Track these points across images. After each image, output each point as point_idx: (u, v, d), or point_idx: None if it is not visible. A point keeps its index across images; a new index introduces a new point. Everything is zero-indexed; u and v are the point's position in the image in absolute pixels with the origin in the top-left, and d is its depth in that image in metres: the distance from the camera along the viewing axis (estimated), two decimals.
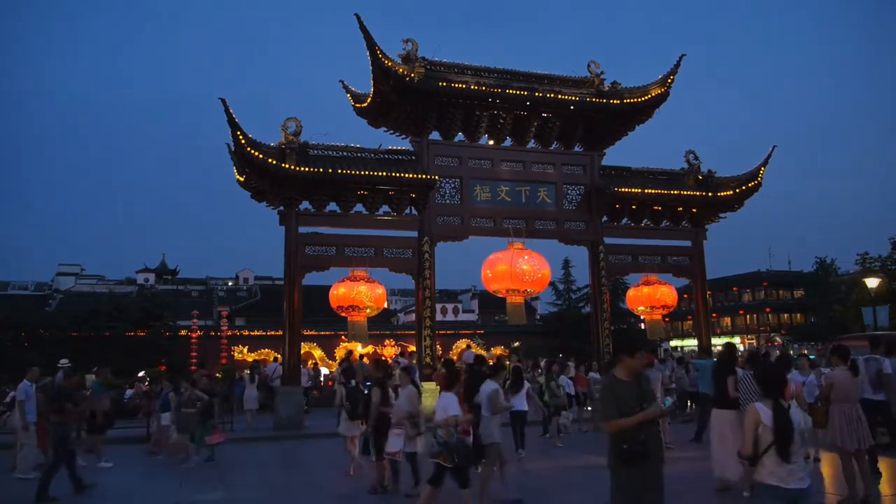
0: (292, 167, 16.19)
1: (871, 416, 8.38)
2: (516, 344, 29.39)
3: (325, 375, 24.90)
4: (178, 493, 9.43)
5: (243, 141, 15.90)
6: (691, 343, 55.88)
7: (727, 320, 66.38)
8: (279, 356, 24.31)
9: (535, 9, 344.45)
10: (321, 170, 16.46)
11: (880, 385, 9.31)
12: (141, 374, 22.08)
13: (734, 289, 65.94)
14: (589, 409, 16.32)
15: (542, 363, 17.82)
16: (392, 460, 8.46)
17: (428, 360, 17.45)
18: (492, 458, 8.05)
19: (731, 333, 65.81)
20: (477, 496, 7.67)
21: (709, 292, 23.79)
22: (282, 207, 17.06)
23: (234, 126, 15.72)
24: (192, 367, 20.30)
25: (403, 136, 18.99)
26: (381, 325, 30.99)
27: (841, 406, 7.71)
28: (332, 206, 17.52)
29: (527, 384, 12.13)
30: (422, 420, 8.31)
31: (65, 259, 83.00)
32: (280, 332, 18.97)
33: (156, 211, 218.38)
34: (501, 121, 18.77)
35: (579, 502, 8.60)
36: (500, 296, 18.24)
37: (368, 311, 17.05)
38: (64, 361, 18.18)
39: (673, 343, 59.82)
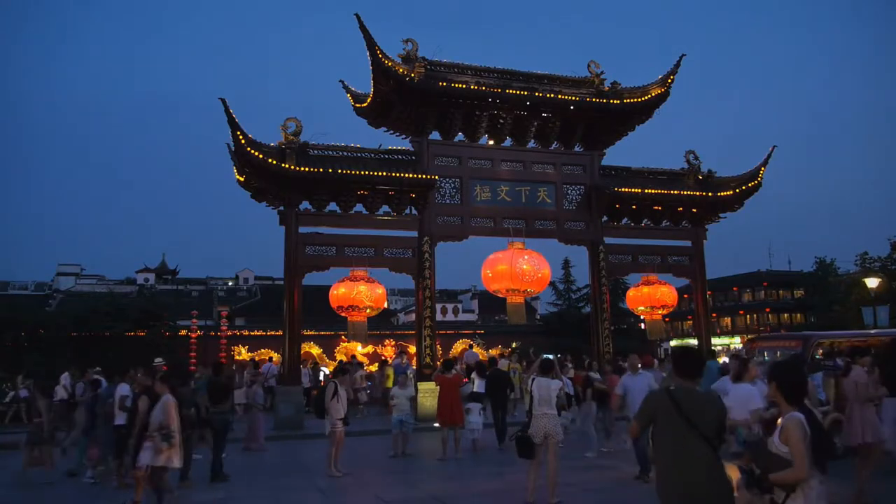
0: (292, 167, 16.18)
1: None
2: (515, 344, 29.38)
3: (324, 375, 24.91)
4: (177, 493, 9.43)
5: (243, 141, 15.90)
6: (691, 343, 55.79)
7: (727, 320, 66.30)
8: (275, 355, 24.39)
9: (535, 11, 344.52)
10: (321, 170, 16.45)
11: None
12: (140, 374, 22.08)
13: (734, 289, 65.81)
14: None
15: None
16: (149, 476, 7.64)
17: (428, 360, 17.45)
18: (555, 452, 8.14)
19: (731, 333, 65.77)
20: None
21: (709, 292, 23.79)
22: (282, 207, 17.06)
23: (234, 126, 15.73)
24: (192, 367, 20.32)
25: (403, 136, 18.99)
26: (381, 325, 31.01)
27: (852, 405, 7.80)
28: (332, 206, 17.51)
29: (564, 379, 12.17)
30: (175, 432, 7.57)
31: (65, 259, 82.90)
32: (280, 332, 18.97)
33: (156, 211, 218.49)
34: (501, 121, 18.76)
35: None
36: (500, 296, 18.22)
37: (368, 311, 17.03)
38: (159, 360, 18.70)
39: (673, 343, 59.79)
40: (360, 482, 9.96)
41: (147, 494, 7.73)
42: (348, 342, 26.00)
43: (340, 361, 23.25)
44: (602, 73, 19.90)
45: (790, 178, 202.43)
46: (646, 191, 19.49)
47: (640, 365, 10.11)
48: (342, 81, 19.87)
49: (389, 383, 18.55)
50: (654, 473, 6.40)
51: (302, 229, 17.04)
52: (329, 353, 27.35)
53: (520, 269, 17.09)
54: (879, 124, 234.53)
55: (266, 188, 17.52)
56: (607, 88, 19.54)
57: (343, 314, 17.10)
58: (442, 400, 12.12)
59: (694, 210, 20.58)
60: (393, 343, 28.60)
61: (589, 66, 20.03)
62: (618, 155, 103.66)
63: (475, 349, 29.05)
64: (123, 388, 9.96)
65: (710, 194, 20.16)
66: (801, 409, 3.87)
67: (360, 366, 22.58)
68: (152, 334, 24.91)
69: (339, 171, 16.60)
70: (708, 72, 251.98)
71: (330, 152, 17.20)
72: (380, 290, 17.04)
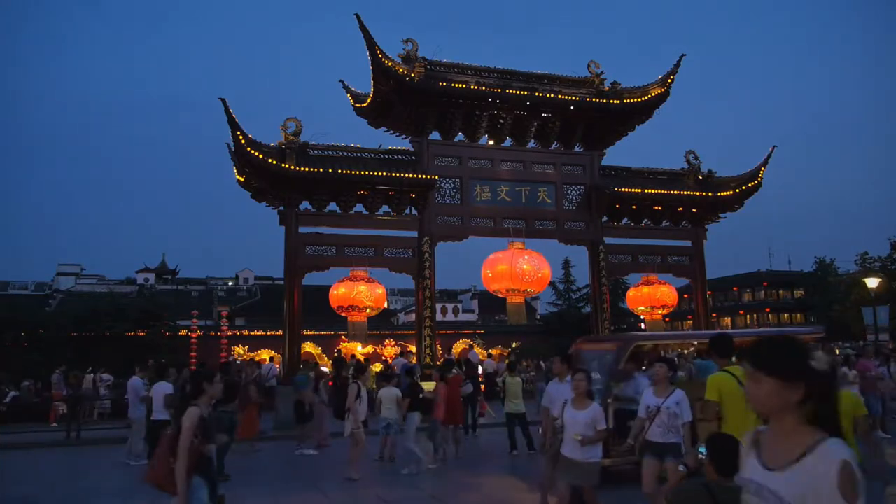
0: (292, 167, 16.19)
1: None
2: (515, 344, 29.39)
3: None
4: None
5: (243, 141, 15.91)
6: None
7: (727, 320, 66.28)
8: (275, 355, 24.34)
9: (534, 11, 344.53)
10: (321, 170, 16.47)
11: None
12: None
13: (734, 289, 65.85)
14: None
15: (544, 364, 17.82)
16: None
17: (428, 360, 17.46)
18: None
19: None
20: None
21: (709, 292, 23.79)
22: (282, 207, 17.07)
23: (234, 126, 15.74)
24: (192, 367, 20.30)
25: (403, 136, 18.99)
26: (381, 325, 31.00)
27: None
28: (332, 206, 17.52)
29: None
30: None
31: (65, 259, 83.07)
32: (280, 332, 18.97)
33: (156, 211, 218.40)
34: (501, 121, 18.76)
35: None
36: (500, 296, 18.25)
37: (368, 311, 17.06)
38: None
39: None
40: (360, 482, 9.95)
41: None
42: (348, 342, 26.00)
43: (362, 357, 23.15)
44: (602, 73, 19.91)
45: (790, 178, 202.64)
46: (646, 191, 19.50)
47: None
48: (342, 81, 19.91)
49: (371, 384, 18.46)
50: None
51: (302, 229, 17.05)
52: (329, 353, 27.35)
53: (520, 269, 17.11)
54: (879, 125, 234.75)
55: (266, 188, 17.53)
56: (607, 88, 19.54)
57: (343, 314, 17.13)
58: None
59: (694, 210, 20.58)
60: (393, 343, 28.60)
61: (589, 66, 20.04)
62: (618, 155, 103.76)
63: (475, 349, 29.06)
64: (166, 387, 10.61)
65: (710, 194, 20.16)
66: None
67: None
68: (152, 334, 24.91)
69: (339, 171, 16.61)
70: (708, 72, 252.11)
71: (330, 152, 17.21)
72: (380, 290, 17.06)
